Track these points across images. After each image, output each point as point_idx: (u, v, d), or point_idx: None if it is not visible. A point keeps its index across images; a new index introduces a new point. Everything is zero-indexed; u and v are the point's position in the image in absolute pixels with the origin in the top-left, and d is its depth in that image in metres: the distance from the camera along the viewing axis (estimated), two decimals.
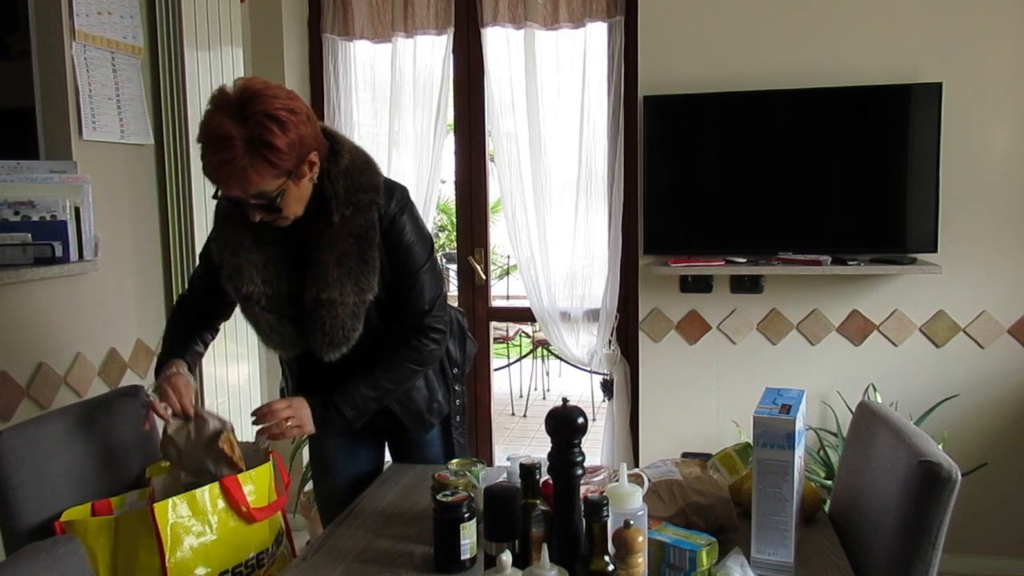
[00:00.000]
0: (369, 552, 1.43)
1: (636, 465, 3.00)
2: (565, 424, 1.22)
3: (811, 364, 2.94)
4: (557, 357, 5.59)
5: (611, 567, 1.11)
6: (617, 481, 1.25)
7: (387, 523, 1.55)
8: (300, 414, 1.61)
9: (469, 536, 1.35)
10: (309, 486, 3.20)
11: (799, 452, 1.32)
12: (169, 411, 1.60)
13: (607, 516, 1.13)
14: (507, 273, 6.18)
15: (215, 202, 1.60)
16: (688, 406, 3.04)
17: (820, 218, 2.84)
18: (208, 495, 1.63)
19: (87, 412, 1.74)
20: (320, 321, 1.58)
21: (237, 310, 1.73)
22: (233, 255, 1.60)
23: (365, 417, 1.68)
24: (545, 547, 1.12)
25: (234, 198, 1.49)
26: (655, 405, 3.06)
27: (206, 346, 1.81)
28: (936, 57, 2.75)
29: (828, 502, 1.70)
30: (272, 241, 1.61)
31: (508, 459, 1.50)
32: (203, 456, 1.63)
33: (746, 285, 2.96)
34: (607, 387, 3.15)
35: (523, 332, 6.36)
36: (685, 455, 2.35)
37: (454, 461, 1.59)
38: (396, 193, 1.64)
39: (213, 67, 2.77)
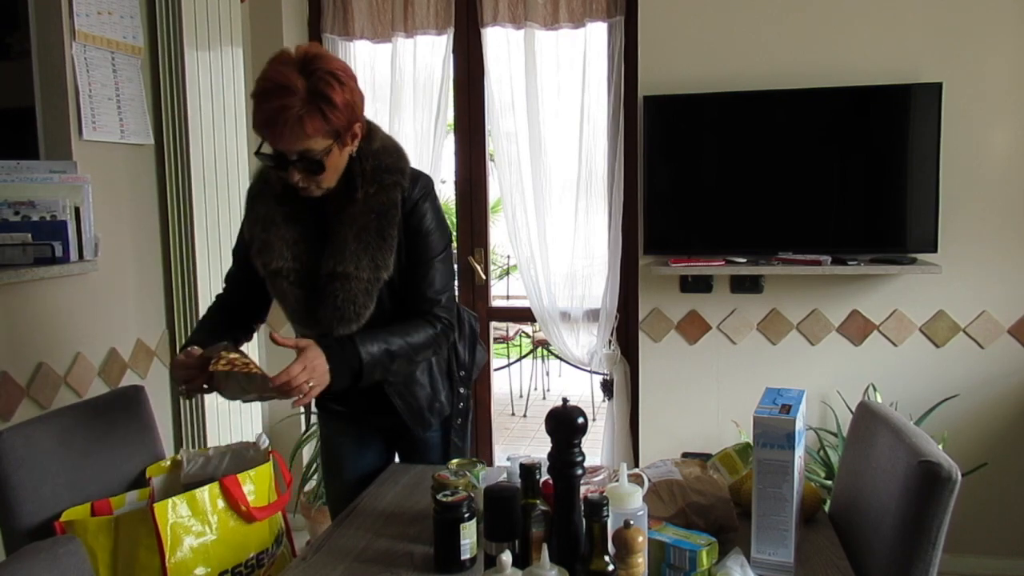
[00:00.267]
0: (369, 552, 1.43)
1: (636, 465, 3.00)
2: (565, 424, 1.22)
3: (811, 364, 2.94)
4: (557, 357, 5.59)
5: (611, 567, 1.11)
6: (617, 481, 1.25)
7: (387, 523, 1.55)
8: (316, 372, 1.54)
9: (469, 536, 1.35)
10: (309, 486, 3.20)
11: (799, 452, 1.32)
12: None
13: (607, 516, 1.13)
14: (507, 273, 6.19)
15: (247, 187, 1.65)
16: (688, 406, 3.04)
17: (820, 218, 2.84)
18: (208, 495, 1.63)
19: (87, 412, 1.74)
20: (332, 294, 1.59)
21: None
22: (264, 230, 1.63)
23: (375, 374, 1.60)
24: (545, 547, 1.12)
25: (279, 153, 1.50)
26: (655, 405, 3.06)
27: (238, 343, 1.77)
28: (936, 57, 2.75)
29: (828, 502, 1.70)
30: (302, 218, 1.64)
31: (508, 459, 1.50)
32: (232, 385, 1.54)
33: (746, 285, 2.96)
34: (607, 387, 3.15)
35: (523, 332, 6.36)
36: (685, 455, 2.35)
37: (454, 461, 1.59)
38: (421, 180, 1.67)
39: (213, 67, 2.77)
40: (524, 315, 3.33)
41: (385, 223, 1.60)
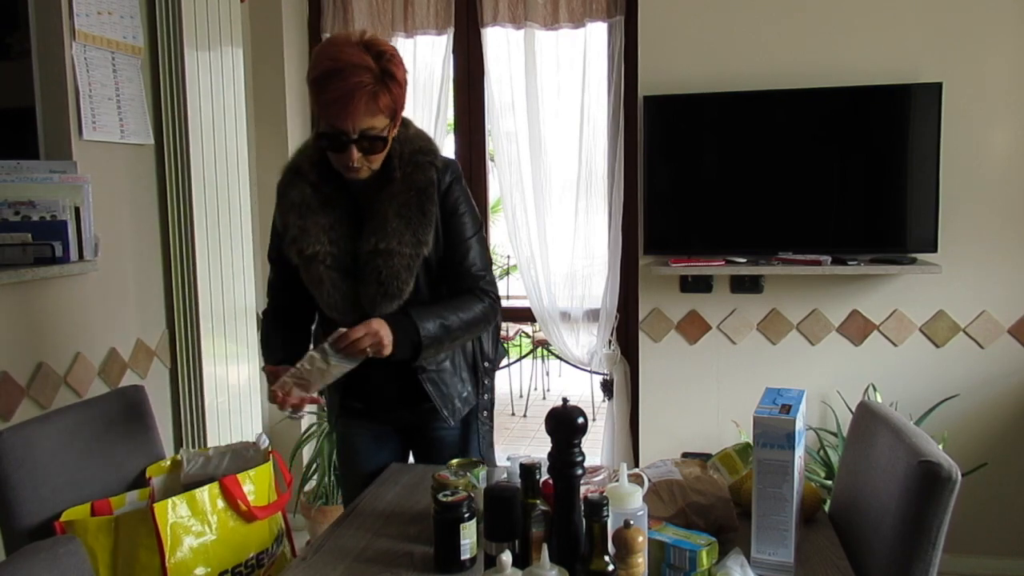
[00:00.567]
0: (369, 552, 1.43)
1: (636, 465, 3.00)
2: (565, 424, 1.22)
3: (811, 364, 2.94)
4: (557, 357, 5.58)
5: (611, 567, 1.11)
6: (617, 481, 1.25)
7: (387, 523, 1.55)
8: (379, 337, 1.54)
9: (469, 536, 1.35)
10: (309, 486, 3.20)
11: (799, 452, 1.32)
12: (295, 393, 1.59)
13: (607, 516, 1.13)
14: (507, 273, 6.18)
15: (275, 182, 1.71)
16: (688, 406, 3.04)
17: (820, 218, 2.84)
18: (208, 495, 1.63)
19: (87, 412, 1.74)
20: (376, 270, 1.61)
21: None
22: (300, 217, 1.65)
23: (432, 349, 1.63)
24: (545, 547, 1.12)
25: (339, 134, 1.53)
26: (655, 405, 3.06)
27: (304, 346, 1.79)
28: (936, 57, 2.75)
29: (828, 502, 1.70)
30: (336, 204, 1.67)
31: (508, 459, 1.50)
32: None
33: (746, 285, 2.96)
34: (607, 387, 3.15)
35: (523, 332, 6.36)
36: (685, 455, 2.35)
37: (454, 461, 1.59)
38: (451, 164, 1.72)
39: (213, 67, 2.77)
40: (524, 315, 3.33)
41: (425, 199, 1.64)
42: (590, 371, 3.23)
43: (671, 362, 3.04)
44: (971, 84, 2.74)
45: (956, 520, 1.34)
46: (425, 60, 3.15)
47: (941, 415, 2.83)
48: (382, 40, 1.58)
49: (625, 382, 3.11)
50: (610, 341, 3.11)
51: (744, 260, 2.84)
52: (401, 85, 1.56)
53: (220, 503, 1.65)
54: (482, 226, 1.78)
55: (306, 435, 3.23)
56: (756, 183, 2.87)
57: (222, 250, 2.80)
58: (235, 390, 2.90)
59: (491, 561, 1.29)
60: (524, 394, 5.97)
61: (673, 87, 2.89)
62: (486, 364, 1.88)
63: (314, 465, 3.18)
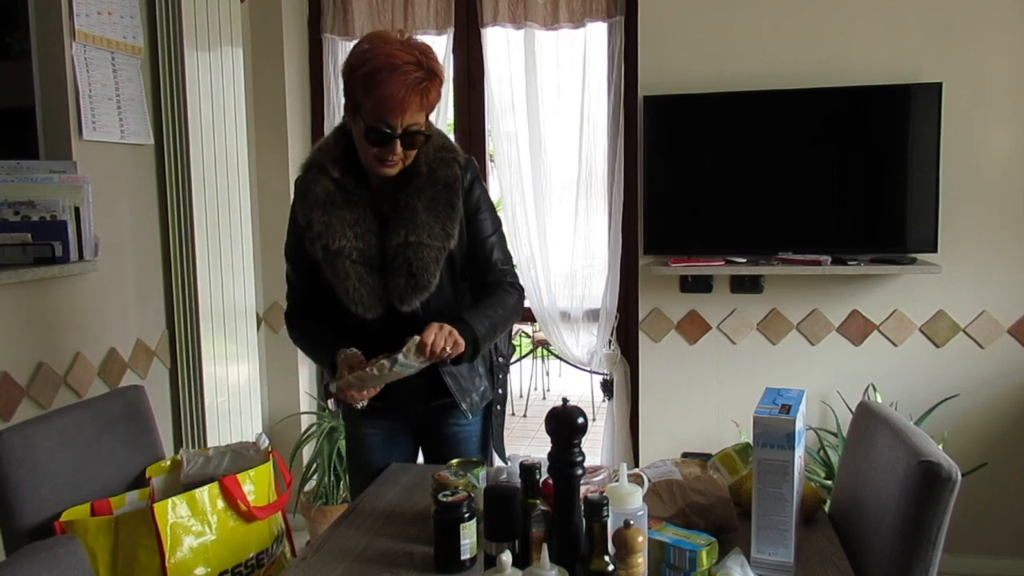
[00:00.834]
0: (369, 552, 1.43)
1: (636, 465, 3.00)
2: (565, 424, 1.22)
3: (811, 364, 2.94)
4: (557, 357, 5.59)
5: (611, 567, 1.11)
6: (617, 481, 1.25)
7: (387, 523, 1.55)
8: (455, 336, 1.58)
9: (469, 536, 1.35)
10: (309, 486, 3.20)
11: (799, 452, 1.32)
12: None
13: (607, 516, 1.13)
14: None
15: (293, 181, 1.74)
16: (688, 406, 3.04)
17: (820, 218, 2.84)
18: (208, 495, 1.63)
19: (87, 412, 1.74)
20: (407, 263, 1.65)
21: None
22: (324, 213, 1.68)
23: (484, 346, 1.67)
24: (545, 547, 1.12)
25: (391, 127, 1.58)
26: (655, 405, 3.06)
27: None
28: (936, 57, 2.75)
29: (828, 502, 1.70)
30: (359, 200, 1.69)
31: (508, 459, 1.50)
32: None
33: (746, 285, 2.96)
34: (607, 387, 3.15)
35: (523, 332, 6.36)
36: (685, 455, 2.35)
37: (454, 461, 1.59)
38: (472, 163, 1.77)
39: (213, 67, 2.77)
40: (524, 315, 3.32)
41: (451, 193, 1.69)
42: (590, 371, 3.23)
43: (671, 362, 3.04)
44: (971, 84, 2.74)
45: (956, 520, 1.34)
46: None
47: (941, 415, 2.83)
48: (416, 40, 1.64)
49: (625, 382, 3.11)
50: (610, 341, 3.11)
51: (744, 260, 2.84)
52: (443, 82, 1.63)
53: (220, 503, 1.65)
54: (500, 223, 1.83)
55: (306, 435, 3.23)
56: (756, 183, 2.87)
57: (222, 250, 2.80)
58: (235, 390, 2.90)
59: (491, 561, 1.29)
60: (524, 394, 5.97)
61: (673, 87, 2.89)
62: (500, 359, 1.92)
63: (314, 465, 3.18)
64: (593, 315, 3.13)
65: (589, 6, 2.99)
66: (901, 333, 2.88)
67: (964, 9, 2.73)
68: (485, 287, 1.77)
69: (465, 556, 1.35)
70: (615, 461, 3.09)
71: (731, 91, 2.84)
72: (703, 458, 1.69)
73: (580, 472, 1.23)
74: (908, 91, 2.73)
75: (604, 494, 1.17)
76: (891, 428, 1.45)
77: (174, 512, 1.57)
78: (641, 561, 1.14)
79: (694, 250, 2.91)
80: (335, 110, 3.24)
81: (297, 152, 3.27)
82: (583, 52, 3.03)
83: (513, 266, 1.83)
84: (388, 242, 1.67)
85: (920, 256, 2.75)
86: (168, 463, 1.81)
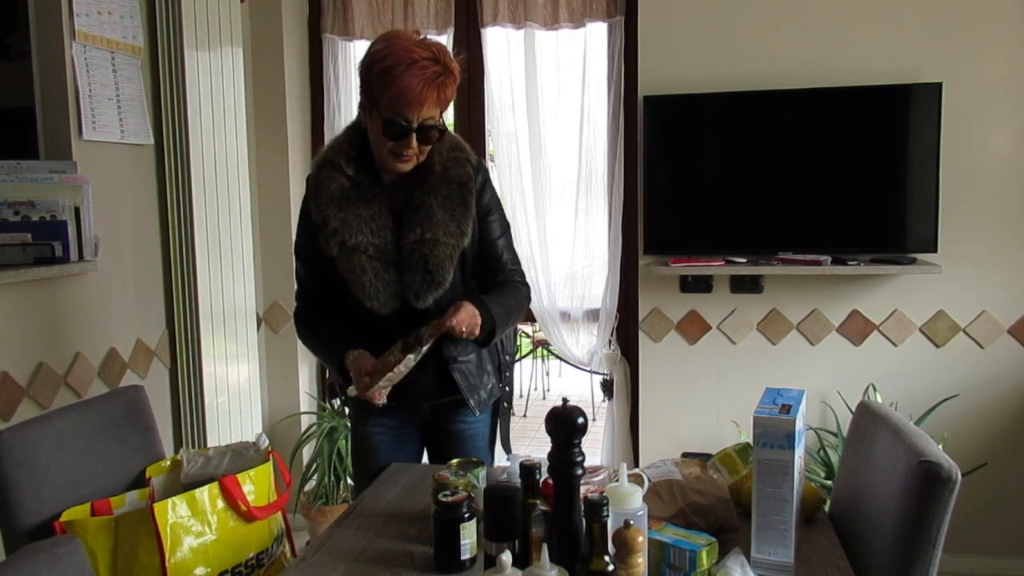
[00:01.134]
0: (369, 552, 1.43)
1: (636, 465, 3.00)
2: (565, 424, 1.22)
3: (811, 364, 2.94)
4: (557, 357, 5.59)
5: (611, 567, 1.11)
6: (617, 481, 1.25)
7: (387, 523, 1.55)
8: (472, 315, 1.64)
9: (469, 536, 1.35)
10: (309, 486, 3.20)
11: (799, 452, 1.32)
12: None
13: (607, 516, 1.13)
14: None
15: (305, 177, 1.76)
16: (688, 406, 3.04)
17: (820, 218, 2.84)
18: (208, 495, 1.63)
19: (87, 412, 1.74)
20: (423, 259, 1.67)
21: None
22: (341, 209, 1.69)
23: (498, 332, 1.72)
24: (545, 547, 1.12)
25: (408, 121, 1.60)
26: (655, 405, 3.06)
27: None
28: (936, 57, 2.75)
29: (828, 502, 1.70)
30: (373, 197, 1.71)
31: (508, 459, 1.50)
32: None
33: (746, 285, 2.96)
34: (607, 387, 3.15)
35: (523, 332, 6.35)
36: (685, 455, 2.35)
37: (454, 461, 1.59)
38: (482, 164, 1.79)
39: (213, 67, 2.77)
40: (524, 315, 3.33)
41: (466, 192, 1.72)
42: (590, 371, 3.23)
43: (671, 362, 3.04)
44: (971, 84, 2.74)
45: (956, 520, 1.34)
46: None
47: (941, 415, 2.83)
48: (432, 39, 1.66)
49: (625, 382, 3.11)
50: (610, 341, 3.11)
51: (744, 260, 2.84)
52: (457, 81, 1.65)
53: (220, 503, 1.65)
54: (509, 225, 1.86)
55: (306, 435, 3.23)
56: (756, 183, 2.87)
57: (222, 250, 2.80)
58: (235, 390, 2.90)
59: (491, 561, 1.29)
60: (524, 394, 5.97)
61: (673, 87, 2.89)
62: (507, 358, 1.94)
63: (314, 465, 3.18)
64: (593, 315, 3.13)
65: (589, 6, 2.99)
66: (901, 333, 2.88)
67: (964, 9, 2.73)
68: (495, 286, 1.80)
69: (465, 556, 1.35)
70: (615, 461, 3.09)
71: (731, 91, 2.84)
72: (703, 458, 1.69)
73: (580, 472, 1.23)
74: (908, 91, 2.73)
75: (604, 494, 1.17)
76: (891, 428, 1.45)
77: (174, 512, 1.57)
78: (641, 561, 1.14)
79: (694, 250, 2.91)
80: (335, 110, 3.24)
81: (297, 152, 3.27)
82: (583, 52, 3.03)
83: (521, 266, 1.87)
84: (404, 239, 1.69)
85: (920, 256, 2.75)
86: (168, 463, 1.81)
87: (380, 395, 1.64)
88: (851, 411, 1.75)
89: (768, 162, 2.85)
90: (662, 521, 1.34)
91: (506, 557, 1.12)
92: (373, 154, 1.71)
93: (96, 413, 1.75)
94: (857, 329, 2.91)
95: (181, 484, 1.74)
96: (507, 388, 1.95)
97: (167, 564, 1.54)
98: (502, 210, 1.84)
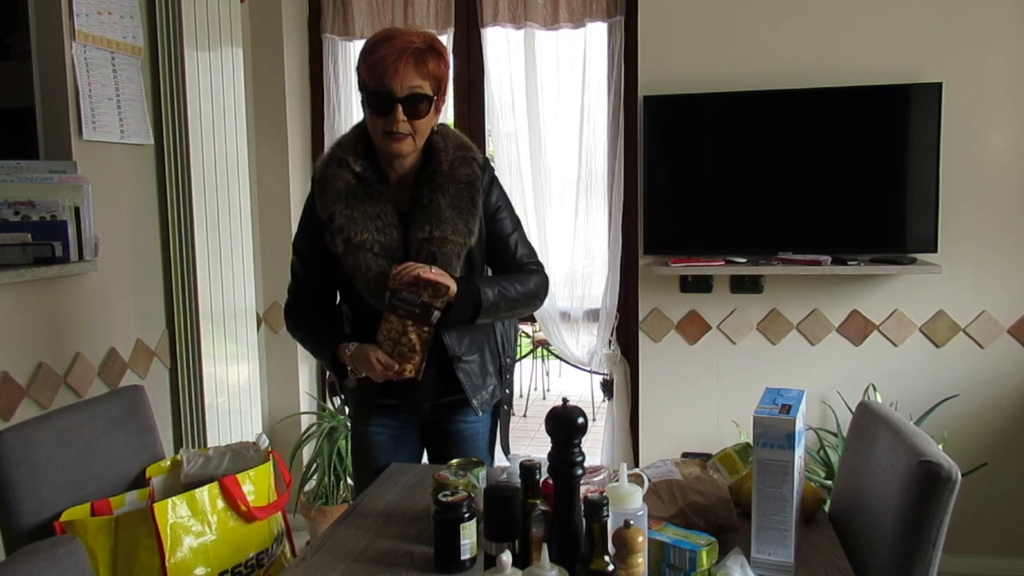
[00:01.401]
0: (369, 552, 1.43)
1: (636, 465, 3.00)
2: (565, 424, 1.22)
3: (811, 364, 2.94)
4: (557, 357, 5.58)
5: (611, 567, 1.11)
6: (617, 481, 1.25)
7: (387, 523, 1.55)
8: (443, 276, 1.64)
9: (469, 536, 1.35)
10: (309, 486, 3.20)
11: (799, 452, 1.32)
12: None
13: (607, 516, 1.13)
14: None
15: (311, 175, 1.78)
16: (688, 406, 3.04)
17: (820, 218, 2.84)
18: (208, 495, 1.63)
19: (87, 412, 1.74)
20: (430, 257, 1.68)
21: None
22: (347, 206, 1.70)
23: (491, 315, 1.73)
24: (545, 547, 1.12)
25: (390, 91, 1.60)
26: (655, 405, 3.06)
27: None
28: (936, 57, 2.75)
29: (828, 502, 1.70)
30: (379, 195, 1.72)
31: (508, 459, 1.50)
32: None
33: (746, 285, 2.96)
34: (607, 387, 3.15)
35: (523, 332, 6.35)
36: (685, 455, 2.35)
37: (454, 461, 1.59)
38: (489, 164, 1.81)
39: (213, 67, 2.77)
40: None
41: (473, 191, 1.73)
42: (590, 371, 3.23)
43: (671, 362, 3.04)
44: (971, 84, 2.74)
45: (956, 520, 1.34)
46: None
47: (941, 415, 2.83)
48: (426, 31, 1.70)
49: (625, 382, 3.11)
50: (610, 341, 3.11)
51: (744, 260, 2.84)
52: (447, 64, 1.66)
53: (220, 503, 1.65)
54: (520, 220, 1.87)
55: (306, 435, 3.23)
56: (756, 183, 2.87)
57: (222, 250, 2.80)
58: (235, 390, 2.90)
59: (491, 561, 1.29)
60: (524, 394, 5.97)
61: (673, 87, 2.89)
62: (508, 360, 1.94)
63: (314, 465, 3.18)
64: (593, 315, 3.13)
65: (589, 6, 2.99)
66: (901, 333, 2.88)
67: (964, 9, 2.73)
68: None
69: (465, 556, 1.35)
70: (615, 461, 3.09)
71: (731, 91, 2.84)
72: (703, 458, 1.69)
73: (580, 472, 1.23)
74: (908, 91, 2.73)
75: (604, 494, 1.17)
76: (891, 428, 1.45)
77: (174, 512, 1.57)
78: (641, 561, 1.14)
79: (694, 250, 2.91)
80: (335, 110, 3.24)
81: (297, 152, 3.27)
82: (583, 52, 3.03)
83: (537, 257, 1.88)
84: (412, 236, 1.70)
85: (920, 256, 2.75)
86: (168, 463, 1.81)
87: (405, 368, 1.66)
88: (851, 411, 1.75)
89: (768, 162, 2.85)
90: (662, 521, 1.34)
91: (506, 557, 1.12)
92: (377, 150, 1.71)
93: (96, 413, 1.75)
94: (857, 329, 2.91)
95: (181, 484, 1.74)
96: (507, 390, 1.95)
97: (167, 564, 1.54)
98: (511, 206, 1.84)
